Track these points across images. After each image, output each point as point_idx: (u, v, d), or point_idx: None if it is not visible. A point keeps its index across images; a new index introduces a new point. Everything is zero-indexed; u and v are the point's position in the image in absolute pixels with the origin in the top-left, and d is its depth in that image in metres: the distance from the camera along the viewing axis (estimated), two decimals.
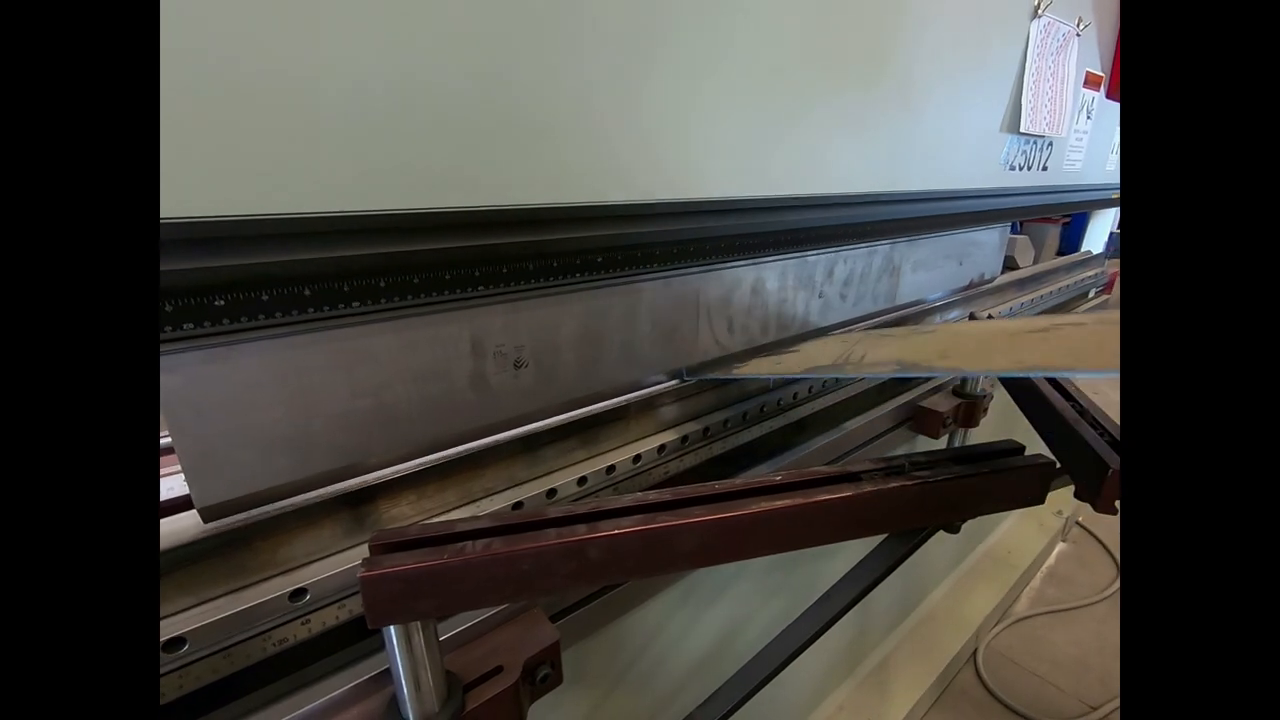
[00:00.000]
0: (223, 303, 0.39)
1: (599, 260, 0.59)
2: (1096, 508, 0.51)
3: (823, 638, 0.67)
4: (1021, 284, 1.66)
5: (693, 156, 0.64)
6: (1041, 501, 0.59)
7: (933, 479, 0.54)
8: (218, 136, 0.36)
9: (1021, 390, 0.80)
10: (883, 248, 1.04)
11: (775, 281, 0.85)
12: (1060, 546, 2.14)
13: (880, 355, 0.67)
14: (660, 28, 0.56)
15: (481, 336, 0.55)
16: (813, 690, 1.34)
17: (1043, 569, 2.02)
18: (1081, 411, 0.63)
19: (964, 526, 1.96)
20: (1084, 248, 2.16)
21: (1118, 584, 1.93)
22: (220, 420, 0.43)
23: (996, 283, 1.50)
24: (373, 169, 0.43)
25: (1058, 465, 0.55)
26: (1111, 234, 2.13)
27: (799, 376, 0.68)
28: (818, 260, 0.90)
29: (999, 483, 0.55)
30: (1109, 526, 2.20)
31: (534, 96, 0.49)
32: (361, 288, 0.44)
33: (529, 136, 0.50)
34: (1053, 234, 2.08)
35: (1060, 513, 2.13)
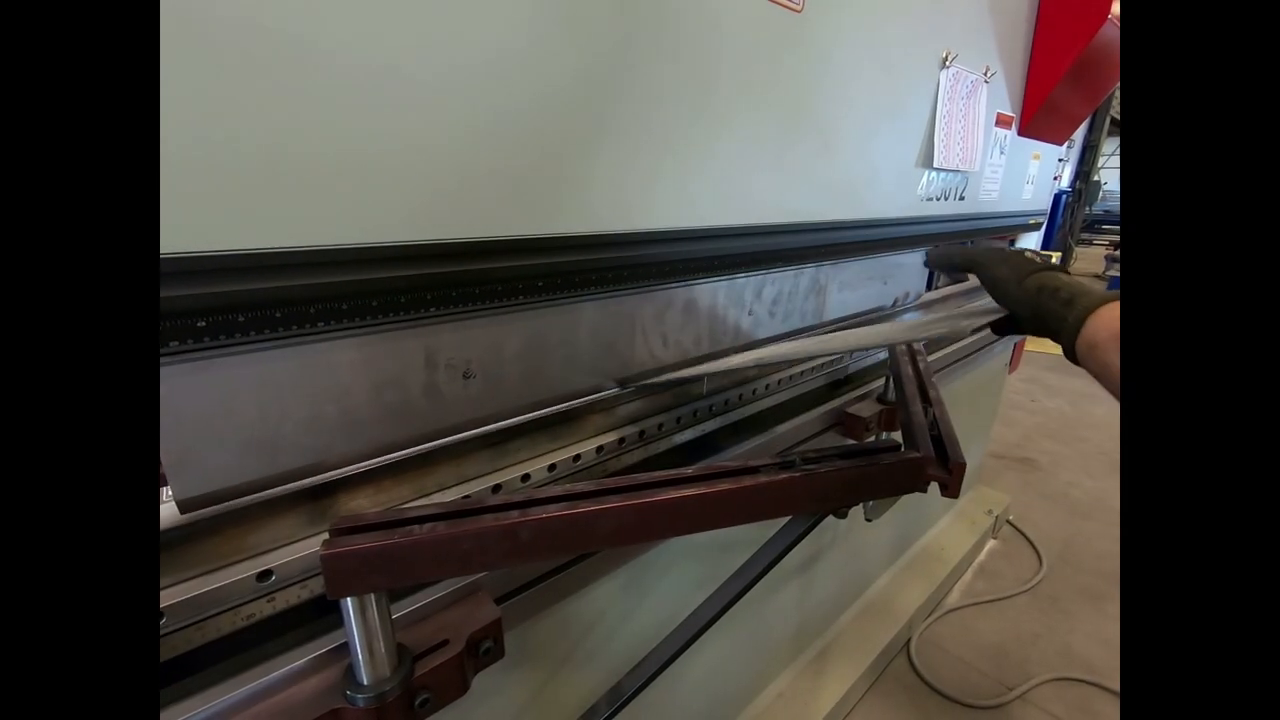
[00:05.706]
0: (204, 324, 0.46)
1: (539, 284, 0.67)
2: (944, 494, 0.62)
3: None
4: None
5: (630, 192, 0.73)
6: (918, 490, 0.70)
7: (819, 471, 0.64)
8: (193, 178, 0.43)
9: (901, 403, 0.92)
10: (809, 269, 1.15)
11: (707, 300, 0.94)
12: (991, 544, 2.30)
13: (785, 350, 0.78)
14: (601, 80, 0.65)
15: (434, 351, 0.62)
16: (753, 681, 1.43)
17: (974, 564, 2.17)
18: (937, 421, 0.75)
19: (902, 524, 2.07)
20: None
21: (1039, 577, 2.09)
22: (199, 425, 0.49)
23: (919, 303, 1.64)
24: (333, 209, 0.50)
25: (920, 456, 0.65)
26: None
27: (725, 369, 0.77)
28: (746, 282, 1.00)
29: (875, 474, 0.65)
30: (1035, 524, 2.38)
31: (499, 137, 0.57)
32: (326, 310, 0.52)
33: (484, 179, 0.58)
34: None
35: (990, 512, 2.30)
